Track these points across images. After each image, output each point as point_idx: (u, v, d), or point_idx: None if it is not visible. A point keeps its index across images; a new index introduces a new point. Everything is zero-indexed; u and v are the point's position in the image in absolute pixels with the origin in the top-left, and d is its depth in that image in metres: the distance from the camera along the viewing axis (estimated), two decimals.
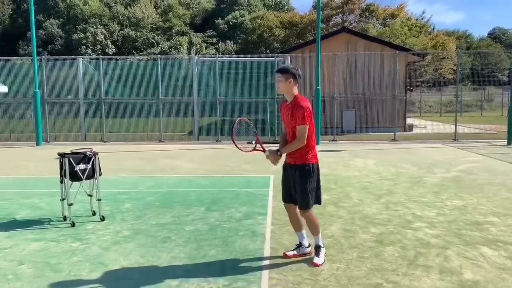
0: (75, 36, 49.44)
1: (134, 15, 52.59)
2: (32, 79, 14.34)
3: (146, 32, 51.55)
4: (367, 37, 24.85)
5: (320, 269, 4.08)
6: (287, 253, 4.36)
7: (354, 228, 5.33)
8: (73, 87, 16.60)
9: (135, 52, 48.18)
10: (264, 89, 15.73)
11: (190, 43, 49.33)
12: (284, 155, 4.18)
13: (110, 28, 51.24)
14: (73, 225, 5.44)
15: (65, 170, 5.41)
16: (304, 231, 4.41)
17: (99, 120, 16.19)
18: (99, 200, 5.74)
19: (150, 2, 55.69)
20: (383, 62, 22.09)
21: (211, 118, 16.66)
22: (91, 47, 48.22)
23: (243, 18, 50.93)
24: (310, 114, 4.03)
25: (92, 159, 5.59)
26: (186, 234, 5.12)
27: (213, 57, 17.24)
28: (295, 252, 4.37)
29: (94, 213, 5.91)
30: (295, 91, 4.09)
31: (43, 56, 16.23)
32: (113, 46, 49.93)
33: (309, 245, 4.42)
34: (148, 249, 4.64)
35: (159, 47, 48.79)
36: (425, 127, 22.66)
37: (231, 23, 52.11)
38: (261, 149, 4.20)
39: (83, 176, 5.51)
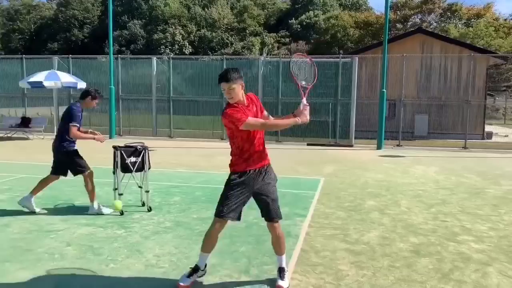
0: (155, 36, 52.13)
1: (210, 16, 54.32)
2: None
3: (221, 32, 53.01)
4: (444, 38, 23.62)
5: (345, 274, 4.03)
6: (182, 283, 3.65)
7: (393, 236, 5.17)
8: (147, 84, 17.54)
9: (210, 52, 49.74)
10: (327, 90, 15.56)
11: (263, 44, 49.93)
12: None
13: (188, 28, 53.38)
14: (121, 213, 5.83)
15: (117, 162, 5.81)
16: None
17: (168, 116, 16.95)
18: (147, 191, 6.08)
19: (227, 3, 57.20)
20: (460, 65, 20.87)
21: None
22: (170, 47, 50.56)
23: (317, 18, 50.58)
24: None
25: (142, 153, 5.94)
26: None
27: (277, 58, 17.36)
28: (191, 280, 3.69)
29: (143, 204, 6.27)
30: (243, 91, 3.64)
31: (119, 55, 17.35)
32: (189, 46, 51.96)
33: (206, 265, 3.84)
34: (184, 241, 4.85)
35: (232, 47, 49.93)
36: (506, 136, 21.04)
37: (304, 23, 51.98)
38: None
39: (133, 168, 5.87)
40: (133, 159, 5.87)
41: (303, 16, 52.24)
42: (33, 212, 5.83)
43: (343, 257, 4.45)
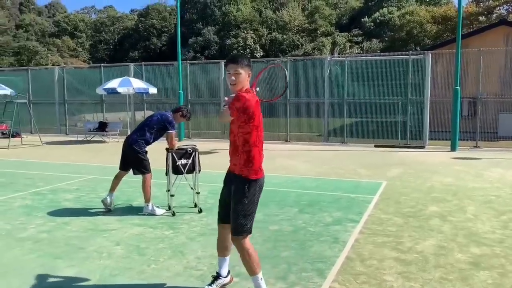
0: (228, 41, 53.34)
1: (281, 19, 54.46)
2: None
3: (292, 34, 52.92)
4: None
5: (389, 285, 3.75)
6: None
7: (451, 245, 4.74)
8: (215, 89, 17.91)
9: (280, 55, 49.86)
10: (397, 89, 14.82)
11: (334, 44, 49.04)
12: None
13: (259, 32, 53.96)
14: (173, 214, 5.97)
15: (169, 164, 5.96)
16: (228, 257, 3.72)
17: None
18: (197, 193, 6.17)
19: (298, 5, 57.02)
20: None
21: (341, 119, 16.32)
22: (241, 51, 51.42)
23: (391, 15, 48.61)
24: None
25: (192, 155, 6.04)
26: (268, 233, 5.19)
27: (343, 57, 16.89)
28: (214, 287, 3.61)
29: (195, 205, 6.36)
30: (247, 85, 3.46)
31: (188, 61, 17.93)
32: (261, 50, 52.47)
33: (229, 273, 3.75)
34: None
35: (303, 49, 49.63)
36: None
37: (378, 21, 50.22)
38: None
39: (184, 170, 5.98)
40: (183, 161, 5.99)
41: (377, 14, 50.48)
42: (95, 212, 6.16)
43: (390, 267, 4.16)
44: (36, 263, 4.28)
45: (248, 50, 51.87)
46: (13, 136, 16.57)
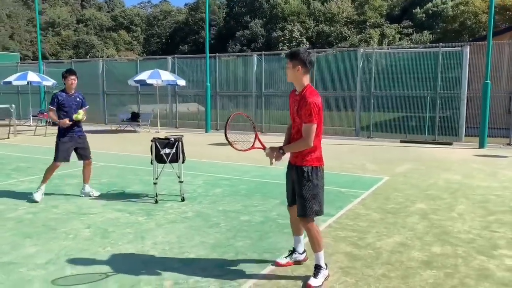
0: (274, 34, 53.33)
1: (329, 11, 53.61)
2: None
3: (340, 26, 51.96)
4: None
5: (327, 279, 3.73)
6: (279, 261, 4.02)
7: (414, 243, 4.60)
8: (246, 81, 18.01)
9: (327, 47, 49.17)
10: (426, 83, 14.24)
11: (382, 35, 47.61)
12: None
13: (306, 24, 53.47)
14: (156, 202, 6.19)
15: (153, 153, 6.18)
16: (302, 236, 4.07)
17: (280, 112, 17.12)
18: (181, 182, 6.35)
19: None
20: None
21: (371, 113, 15.90)
22: (287, 44, 51.23)
23: (444, 6, 46.42)
24: (319, 111, 3.54)
25: (175, 145, 6.22)
26: (236, 223, 5.27)
27: (372, 50, 16.43)
28: (288, 260, 4.03)
29: (182, 195, 6.54)
30: (305, 80, 3.58)
31: (217, 54, 18.16)
32: (307, 42, 51.99)
33: (304, 251, 4.08)
34: (191, 231, 4.97)
35: (349, 41, 48.60)
36: None
37: (430, 12, 48.15)
38: (261, 146, 3.83)
39: (167, 159, 6.18)
40: (167, 150, 6.18)
41: (429, 4, 48.40)
42: (89, 196, 6.51)
43: (335, 261, 4.12)
44: (5, 240, 4.64)
45: (294, 43, 51.59)
46: (54, 125, 17.66)
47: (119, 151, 11.39)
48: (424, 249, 4.44)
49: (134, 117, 16.83)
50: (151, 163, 6.32)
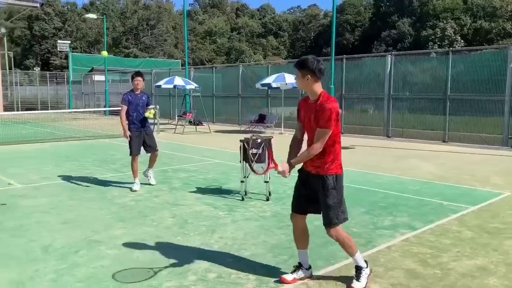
0: (423, 33, 49.91)
1: (491, 4, 48.00)
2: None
3: (503, 22, 46.10)
4: None
5: None
6: (285, 277, 3.75)
7: (497, 269, 4.00)
8: (375, 83, 17.31)
9: (485, 44, 44.12)
10: None
11: None
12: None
13: (462, 21, 48.77)
14: (242, 199, 6.48)
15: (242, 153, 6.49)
16: (307, 250, 3.85)
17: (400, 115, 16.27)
18: (265, 182, 6.52)
19: None
20: None
21: None
22: (438, 43, 47.46)
23: None
24: (337, 117, 3.41)
25: (262, 145, 6.40)
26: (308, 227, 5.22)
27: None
28: (294, 276, 3.75)
29: (270, 194, 6.72)
30: (317, 89, 3.47)
31: (345, 56, 17.78)
32: (462, 41, 47.41)
33: (310, 267, 3.85)
34: (259, 230, 5.11)
35: None
36: None
37: None
38: (273, 165, 3.59)
39: (254, 158, 6.41)
40: (254, 150, 6.41)
41: None
42: (189, 190, 7.14)
43: (390, 277, 3.82)
44: (103, 221, 5.41)
45: (446, 41, 47.56)
46: (196, 124, 19.50)
47: (236, 150, 12.06)
48: (507, 278, 3.82)
49: (261, 119, 17.58)
50: (240, 162, 6.62)
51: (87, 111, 28.67)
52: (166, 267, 4.02)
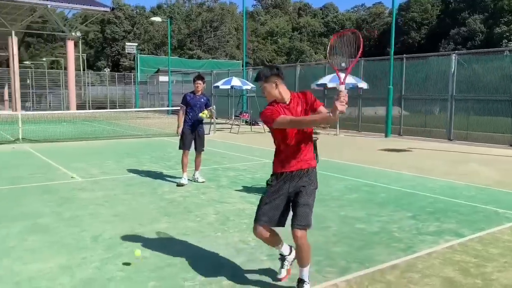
0: (497, 30, 46.90)
1: None
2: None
3: None
4: None
5: None
6: (280, 276, 3.78)
7: None
8: (442, 83, 16.55)
9: None
10: None
11: None
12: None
13: None
14: None
15: None
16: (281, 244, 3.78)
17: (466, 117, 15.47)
18: None
19: None
20: None
21: None
22: None
23: None
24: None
25: None
26: (347, 229, 5.19)
27: None
28: (286, 268, 3.82)
29: None
30: (286, 89, 3.51)
31: (405, 55, 17.14)
32: None
33: (290, 247, 3.79)
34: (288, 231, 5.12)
35: None
36: None
37: None
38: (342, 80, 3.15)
39: None
40: None
41: None
42: (236, 188, 7.32)
43: (426, 284, 3.71)
44: (151, 215, 5.69)
45: None
46: (252, 124, 19.78)
47: None
48: None
49: None
50: None
51: (150, 110, 30.00)
52: (202, 261, 4.18)
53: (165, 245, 4.62)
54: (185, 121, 7.55)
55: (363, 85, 15.98)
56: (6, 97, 36.73)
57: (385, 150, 12.48)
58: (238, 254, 4.38)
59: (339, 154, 11.39)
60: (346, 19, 79.81)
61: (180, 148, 7.62)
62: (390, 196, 6.92)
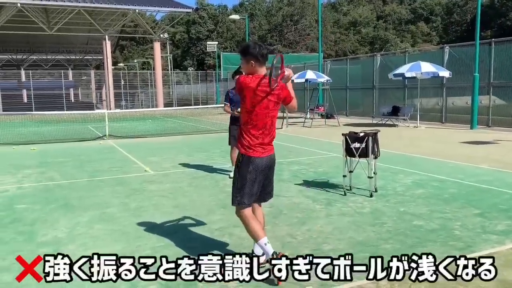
0: None
1: None
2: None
3: None
4: None
5: None
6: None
7: None
8: None
9: None
10: None
11: None
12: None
13: None
14: (344, 194, 6.37)
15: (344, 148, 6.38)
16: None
17: None
18: (369, 177, 6.28)
19: None
20: None
21: None
22: None
23: None
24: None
25: (365, 139, 6.20)
26: (403, 226, 4.94)
27: None
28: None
29: (376, 190, 6.47)
30: (261, 72, 3.59)
31: (493, 39, 15.63)
32: None
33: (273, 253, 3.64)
34: (350, 226, 4.99)
35: None
36: None
37: None
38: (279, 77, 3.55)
39: (357, 153, 6.25)
40: (357, 144, 6.25)
41: None
42: (295, 182, 7.31)
43: (478, 287, 3.43)
44: (208, 207, 5.90)
45: None
46: (327, 117, 19.51)
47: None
48: None
49: (395, 111, 16.71)
50: (343, 156, 6.51)
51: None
52: (244, 253, 4.24)
53: (215, 235, 4.77)
54: (231, 117, 7.71)
55: (445, 73, 14.95)
56: (104, 97, 40.06)
57: (467, 142, 11.59)
58: (283, 248, 4.38)
59: (415, 147, 10.84)
60: (435, 3, 74.93)
61: (229, 143, 7.79)
62: (460, 192, 6.45)
